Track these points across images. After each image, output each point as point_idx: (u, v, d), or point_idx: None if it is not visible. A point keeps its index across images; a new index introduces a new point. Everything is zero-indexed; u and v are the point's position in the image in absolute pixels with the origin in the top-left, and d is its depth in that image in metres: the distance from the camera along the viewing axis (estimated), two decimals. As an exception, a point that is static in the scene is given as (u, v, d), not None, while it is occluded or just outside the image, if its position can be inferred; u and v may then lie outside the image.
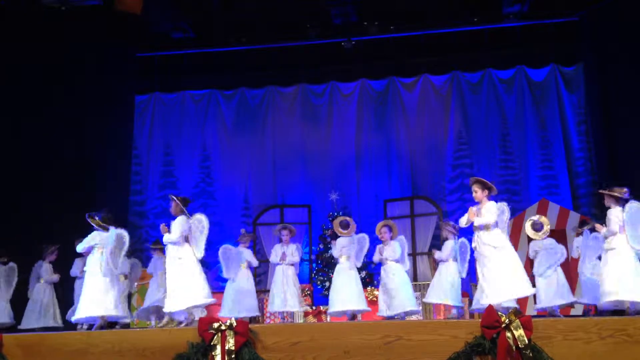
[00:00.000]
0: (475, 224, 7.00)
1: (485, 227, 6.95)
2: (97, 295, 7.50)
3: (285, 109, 15.49)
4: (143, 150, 15.43)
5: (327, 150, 15.11)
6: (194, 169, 15.36)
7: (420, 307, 10.91)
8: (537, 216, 9.48)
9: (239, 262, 9.52)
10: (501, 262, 6.82)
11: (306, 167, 15.12)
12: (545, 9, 13.39)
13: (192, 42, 14.24)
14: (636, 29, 12.04)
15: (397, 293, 8.57)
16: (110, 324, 7.80)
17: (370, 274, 13.16)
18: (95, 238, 7.78)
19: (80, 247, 7.87)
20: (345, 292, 8.59)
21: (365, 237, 8.83)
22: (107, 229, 7.76)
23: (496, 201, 13.92)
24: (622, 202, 7.36)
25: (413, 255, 13.29)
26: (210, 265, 13.98)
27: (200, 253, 7.61)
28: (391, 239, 8.87)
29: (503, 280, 6.73)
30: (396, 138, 14.97)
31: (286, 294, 9.05)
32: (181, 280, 7.19)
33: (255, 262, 9.73)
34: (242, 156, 15.29)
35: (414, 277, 13.09)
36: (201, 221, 7.58)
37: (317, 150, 15.14)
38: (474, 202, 7.32)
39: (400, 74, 15.24)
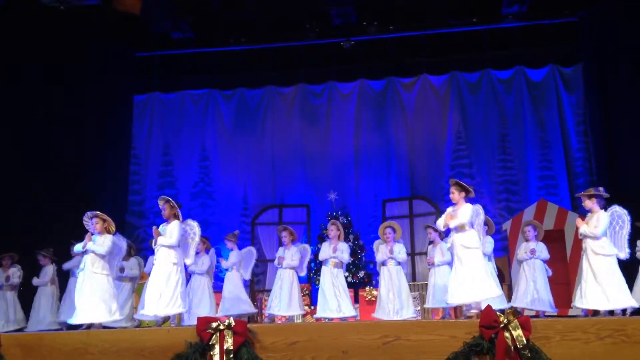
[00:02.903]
0: (451, 226, 7.19)
1: (460, 228, 7.13)
2: (97, 300, 7.38)
3: (284, 109, 15.48)
4: (142, 149, 15.42)
5: (326, 150, 15.11)
6: (193, 169, 15.35)
7: (420, 309, 10.96)
8: None
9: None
10: (470, 263, 7.02)
11: (305, 167, 15.12)
12: (545, 10, 13.40)
13: (191, 42, 14.22)
14: (635, 29, 12.05)
15: (399, 297, 8.59)
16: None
17: (369, 274, 13.17)
18: (113, 243, 7.64)
19: (103, 250, 7.48)
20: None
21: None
22: (112, 234, 7.72)
23: (497, 201, 13.97)
24: (602, 202, 7.40)
25: (412, 255, 13.30)
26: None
27: (191, 259, 7.58)
28: (394, 240, 8.89)
29: (471, 282, 6.95)
30: (395, 138, 14.97)
31: (275, 299, 8.98)
32: (171, 286, 7.23)
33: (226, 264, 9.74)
34: (241, 156, 15.29)
35: (413, 277, 13.11)
36: (193, 227, 7.57)
37: (316, 150, 15.14)
38: (472, 202, 7.42)
39: (399, 74, 15.24)
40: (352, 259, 12.94)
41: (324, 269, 8.85)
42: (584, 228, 7.29)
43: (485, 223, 8.07)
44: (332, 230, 8.91)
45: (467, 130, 14.72)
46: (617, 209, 7.38)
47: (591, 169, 13.69)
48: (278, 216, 14.39)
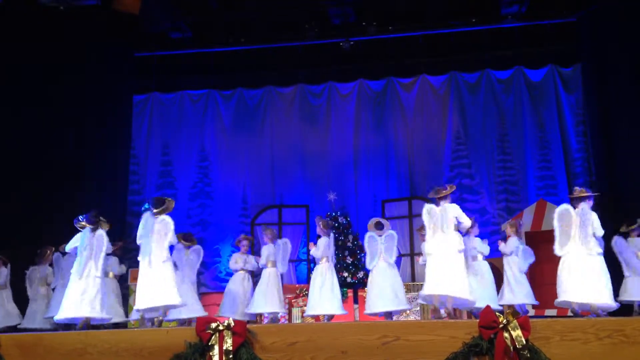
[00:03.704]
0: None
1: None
2: (81, 296, 7.40)
3: (284, 109, 15.48)
4: (141, 150, 15.41)
5: (325, 151, 15.11)
6: (192, 169, 15.34)
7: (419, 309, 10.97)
8: None
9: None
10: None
11: (304, 168, 15.11)
12: (544, 10, 13.41)
13: (190, 42, 14.22)
14: (634, 30, 12.06)
15: (379, 291, 8.71)
16: (94, 325, 7.67)
17: (367, 275, 13.15)
18: (79, 239, 7.75)
19: (67, 247, 7.96)
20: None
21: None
22: (95, 230, 7.75)
23: (496, 202, 13.92)
24: (576, 201, 7.48)
25: (411, 255, 13.31)
26: (207, 265, 13.99)
27: (161, 254, 7.49)
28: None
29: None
30: (394, 138, 14.97)
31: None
32: (139, 281, 7.44)
33: (236, 267, 9.74)
34: (241, 156, 15.28)
35: (412, 277, 13.10)
36: (165, 221, 7.60)
37: (315, 150, 15.13)
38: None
39: (399, 74, 15.24)
40: (351, 260, 12.97)
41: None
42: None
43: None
44: (317, 227, 9.05)
45: (466, 130, 14.72)
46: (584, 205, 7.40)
47: (590, 169, 13.69)
48: (277, 216, 14.38)
